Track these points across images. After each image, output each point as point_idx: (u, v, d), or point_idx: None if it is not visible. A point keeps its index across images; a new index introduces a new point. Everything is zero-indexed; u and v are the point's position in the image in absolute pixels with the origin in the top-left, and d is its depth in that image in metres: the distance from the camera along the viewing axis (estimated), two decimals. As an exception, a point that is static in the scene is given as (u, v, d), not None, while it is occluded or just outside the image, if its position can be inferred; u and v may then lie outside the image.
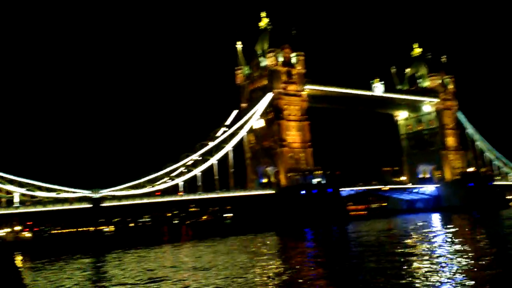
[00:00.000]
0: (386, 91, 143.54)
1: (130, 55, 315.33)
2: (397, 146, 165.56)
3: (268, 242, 62.54)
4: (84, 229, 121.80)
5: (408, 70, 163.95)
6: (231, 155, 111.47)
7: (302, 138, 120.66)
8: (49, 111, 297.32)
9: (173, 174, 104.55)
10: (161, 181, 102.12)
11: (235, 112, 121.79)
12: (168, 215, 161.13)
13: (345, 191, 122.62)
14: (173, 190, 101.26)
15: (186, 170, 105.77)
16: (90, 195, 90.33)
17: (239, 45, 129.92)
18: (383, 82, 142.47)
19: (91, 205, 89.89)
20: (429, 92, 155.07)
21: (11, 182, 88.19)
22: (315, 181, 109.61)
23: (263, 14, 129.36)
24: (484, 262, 31.78)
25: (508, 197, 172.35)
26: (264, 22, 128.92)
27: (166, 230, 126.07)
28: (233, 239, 71.20)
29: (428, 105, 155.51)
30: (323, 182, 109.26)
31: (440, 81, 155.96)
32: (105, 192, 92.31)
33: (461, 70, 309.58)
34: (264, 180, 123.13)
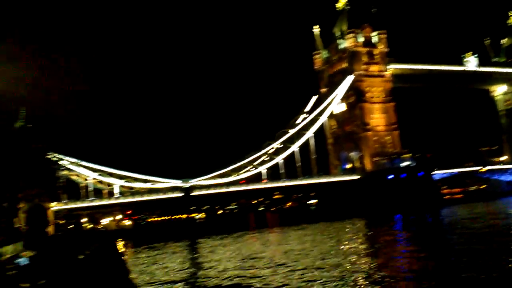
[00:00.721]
0: (480, 65, 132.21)
1: (213, 46, 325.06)
2: (495, 124, 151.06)
3: (357, 229, 60.86)
4: (177, 216, 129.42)
5: (504, 40, 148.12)
6: (312, 142, 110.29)
7: (387, 121, 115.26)
8: (144, 108, 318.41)
9: (256, 163, 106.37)
10: (245, 170, 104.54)
11: (314, 98, 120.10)
12: (253, 202, 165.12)
13: (438, 174, 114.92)
14: (257, 178, 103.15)
15: (268, 158, 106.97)
16: (181, 184, 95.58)
17: (316, 29, 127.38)
18: (476, 55, 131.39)
19: (182, 194, 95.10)
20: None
21: (111, 175, 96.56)
22: (403, 165, 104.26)
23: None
24: None
25: None
26: (341, 3, 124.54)
27: (252, 217, 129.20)
28: (320, 225, 70.48)
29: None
30: (413, 165, 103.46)
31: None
32: (194, 181, 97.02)
33: None
34: (348, 166, 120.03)
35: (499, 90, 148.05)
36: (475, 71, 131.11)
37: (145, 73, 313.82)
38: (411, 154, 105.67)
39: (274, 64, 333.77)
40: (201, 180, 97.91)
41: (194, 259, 43.38)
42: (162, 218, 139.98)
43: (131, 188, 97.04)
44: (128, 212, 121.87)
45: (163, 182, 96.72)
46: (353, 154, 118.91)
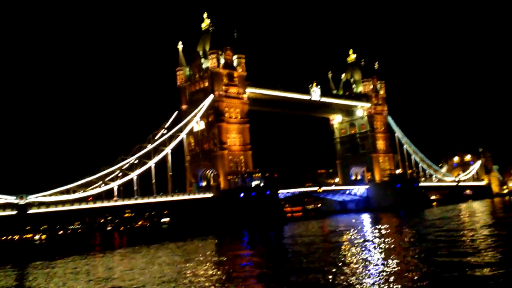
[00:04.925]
0: (323, 95, 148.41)
1: (65, 52, 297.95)
2: (332, 149, 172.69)
3: (205, 246, 62.49)
4: (9, 237, 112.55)
5: (343, 75, 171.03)
6: (170, 158, 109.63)
7: (242, 141, 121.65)
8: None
9: (108, 178, 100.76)
10: (94, 186, 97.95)
11: (175, 114, 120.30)
12: (101, 221, 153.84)
13: (283, 193, 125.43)
14: (107, 195, 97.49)
15: (121, 174, 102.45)
16: (15, 201, 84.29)
17: (180, 46, 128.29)
18: (320, 86, 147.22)
19: (16, 212, 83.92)
20: (362, 97, 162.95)
21: None
22: (254, 183, 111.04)
23: (205, 15, 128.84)
24: (405, 258, 34.34)
25: (431, 197, 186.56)
26: (206, 23, 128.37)
27: (98, 237, 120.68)
28: (170, 244, 70.15)
29: (361, 110, 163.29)
30: (262, 184, 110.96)
31: (372, 87, 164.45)
32: (32, 198, 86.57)
33: (391, 77, 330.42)
34: (204, 184, 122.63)
35: (336, 119, 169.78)
36: (318, 101, 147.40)
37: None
38: (261, 174, 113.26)
39: (135, 77, 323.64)
40: (41, 196, 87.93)
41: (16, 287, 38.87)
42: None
43: None
44: None
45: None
46: (209, 172, 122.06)
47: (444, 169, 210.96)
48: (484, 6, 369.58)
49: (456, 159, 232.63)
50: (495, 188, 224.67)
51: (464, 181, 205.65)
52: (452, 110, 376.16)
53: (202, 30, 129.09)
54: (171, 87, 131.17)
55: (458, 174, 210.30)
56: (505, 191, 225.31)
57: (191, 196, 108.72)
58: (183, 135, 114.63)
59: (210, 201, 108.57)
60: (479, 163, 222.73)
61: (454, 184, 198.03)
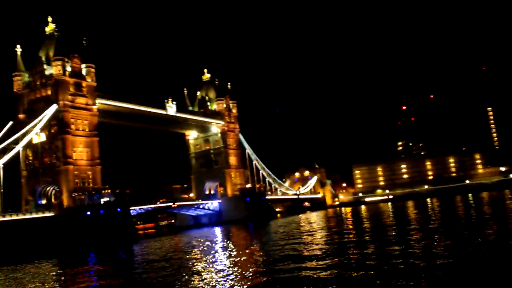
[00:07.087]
0: (179, 111, 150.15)
1: None
2: (187, 164, 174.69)
3: (39, 272, 56.82)
4: None
5: (199, 93, 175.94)
6: (1, 173, 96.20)
7: (91, 155, 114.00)
8: None
9: None
10: None
11: (9, 124, 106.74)
12: None
13: (135, 210, 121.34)
14: None
15: None
16: None
17: (18, 49, 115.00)
18: (175, 102, 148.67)
19: None
20: (216, 114, 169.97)
21: None
22: (103, 200, 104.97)
23: (49, 18, 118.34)
24: (250, 263, 37.70)
25: (276, 209, 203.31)
26: (50, 28, 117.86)
27: None
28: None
29: (215, 127, 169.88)
30: (112, 201, 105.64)
31: (225, 105, 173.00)
32: None
33: (242, 98, 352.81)
34: (43, 202, 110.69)
35: (192, 135, 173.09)
36: (174, 116, 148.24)
37: None
38: (110, 191, 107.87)
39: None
40: None
41: None
42: None
43: None
44: None
45: None
46: (50, 189, 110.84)
47: (287, 183, 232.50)
48: (322, 31, 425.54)
49: (297, 174, 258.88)
50: (328, 200, 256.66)
51: (303, 194, 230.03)
52: (293, 130, 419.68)
53: (46, 34, 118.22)
54: (7, 94, 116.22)
55: (299, 188, 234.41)
56: (337, 202, 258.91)
57: (27, 216, 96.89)
58: (19, 147, 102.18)
59: (51, 220, 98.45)
60: (315, 178, 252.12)
61: (295, 197, 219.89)
